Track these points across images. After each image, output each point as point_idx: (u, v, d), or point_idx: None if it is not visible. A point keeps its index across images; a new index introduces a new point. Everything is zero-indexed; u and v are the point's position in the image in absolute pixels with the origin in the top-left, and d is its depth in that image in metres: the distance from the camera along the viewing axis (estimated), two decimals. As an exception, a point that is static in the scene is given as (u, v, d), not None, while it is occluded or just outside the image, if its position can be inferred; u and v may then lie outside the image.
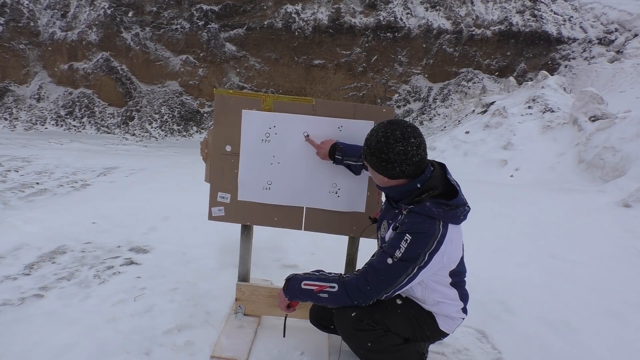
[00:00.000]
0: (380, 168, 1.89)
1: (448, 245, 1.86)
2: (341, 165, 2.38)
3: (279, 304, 2.11)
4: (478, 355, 2.61)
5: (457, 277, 2.02)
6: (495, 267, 3.78)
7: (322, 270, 2.08)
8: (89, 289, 3.13)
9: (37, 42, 18.56)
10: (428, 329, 2.07)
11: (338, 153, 2.33)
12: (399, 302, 2.05)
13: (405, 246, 1.83)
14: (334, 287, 1.96)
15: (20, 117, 17.71)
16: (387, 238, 1.99)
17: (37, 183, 6.58)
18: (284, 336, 2.33)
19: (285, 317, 2.28)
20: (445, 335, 2.13)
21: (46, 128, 17.60)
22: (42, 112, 18.13)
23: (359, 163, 2.32)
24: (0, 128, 16.90)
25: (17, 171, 7.33)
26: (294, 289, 2.03)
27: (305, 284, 2.01)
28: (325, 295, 1.97)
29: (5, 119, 17.45)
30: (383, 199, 2.27)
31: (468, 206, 1.93)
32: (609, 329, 2.96)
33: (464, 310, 2.12)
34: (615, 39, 17.25)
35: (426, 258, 1.83)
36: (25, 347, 2.43)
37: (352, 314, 2.00)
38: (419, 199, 1.87)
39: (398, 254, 1.83)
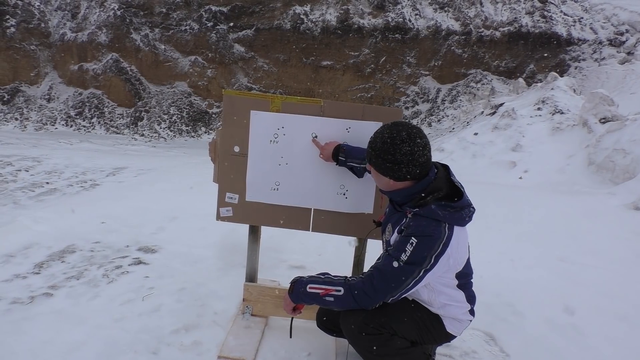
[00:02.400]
0: (386, 170, 1.88)
1: (454, 248, 1.85)
2: (344, 167, 2.38)
3: (285, 307, 2.11)
4: (486, 357, 2.60)
5: (464, 278, 2.01)
6: (503, 269, 3.76)
7: (327, 274, 2.07)
8: (98, 288, 3.15)
9: (47, 43, 18.72)
10: (435, 331, 2.06)
11: (341, 154, 2.33)
12: (405, 305, 2.04)
13: (411, 249, 1.82)
14: (339, 291, 1.95)
15: (31, 118, 17.86)
16: (392, 241, 1.98)
17: (47, 183, 6.64)
18: (290, 337, 2.33)
19: (292, 319, 2.28)
20: (452, 337, 2.12)
21: (56, 128, 17.73)
22: (52, 113, 18.27)
23: (362, 165, 2.33)
24: (11, 128, 17.05)
25: (28, 171, 7.40)
26: (299, 293, 2.03)
27: (310, 288, 2.00)
28: (331, 298, 1.96)
29: (16, 119, 17.61)
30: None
31: (473, 207, 1.92)
32: (618, 332, 2.93)
33: (471, 312, 2.11)
34: (626, 40, 17.09)
35: (432, 261, 1.82)
36: (34, 346, 2.45)
37: (358, 318, 1.99)
38: (423, 202, 1.86)
39: (404, 257, 1.83)
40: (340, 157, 2.34)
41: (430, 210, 1.84)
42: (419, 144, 1.82)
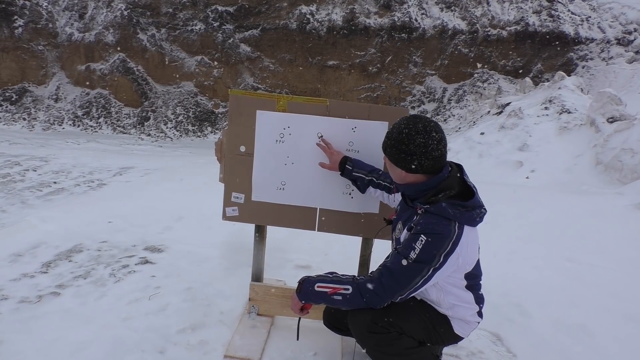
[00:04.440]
0: (399, 160, 1.89)
1: (464, 247, 1.84)
2: (348, 178, 2.39)
3: (292, 307, 2.10)
4: (493, 358, 2.59)
5: (473, 280, 2.00)
6: (510, 269, 3.74)
7: (335, 273, 2.07)
8: (105, 288, 3.17)
9: (55, 43, 18.80)
10: (443, 332, 2.05)
11: (349, 163, 2.35)
12: (413, 304, 2.03)
13: (420, 247, 1.81)
14: (348, 290, 1.94)
15: (39, 117, 17.96)
16: (402, 239, 1.98)
17: (55, 182, 6.68)
18: (297, 339, 2.33)
19: (299, 320, 2.28)
20: (460, 339, 2.11)
21: (63, 128, 17.81)
22: (60, 113, 18.36)
23: (367, 178, 2.34)
24: (19, 128, 17.15)
25: (35, 170, 7.44)
26: (308, 292, 2.02)
27: (318, 287, 2.00)
28: (339, 297, 1.96)
29: (24, 119, 17.71)
30: (398, 198, 2.25)
31: (484, 208, 1.91)
32: (627, 333, 2.91)
33: (480, 314, 2.10)
34: (634, 39, 16.94)
35: (441, 259, 1.81)
36: (42, 345, 2.47)
37: (367, 316, 1.98)
38: (435, 199, 1.86)
39: (413, 255, 1.82)
40: (347, 166, 2.35)
41: (441, 207, 1.83)
42: (434, 137, 1.82)
